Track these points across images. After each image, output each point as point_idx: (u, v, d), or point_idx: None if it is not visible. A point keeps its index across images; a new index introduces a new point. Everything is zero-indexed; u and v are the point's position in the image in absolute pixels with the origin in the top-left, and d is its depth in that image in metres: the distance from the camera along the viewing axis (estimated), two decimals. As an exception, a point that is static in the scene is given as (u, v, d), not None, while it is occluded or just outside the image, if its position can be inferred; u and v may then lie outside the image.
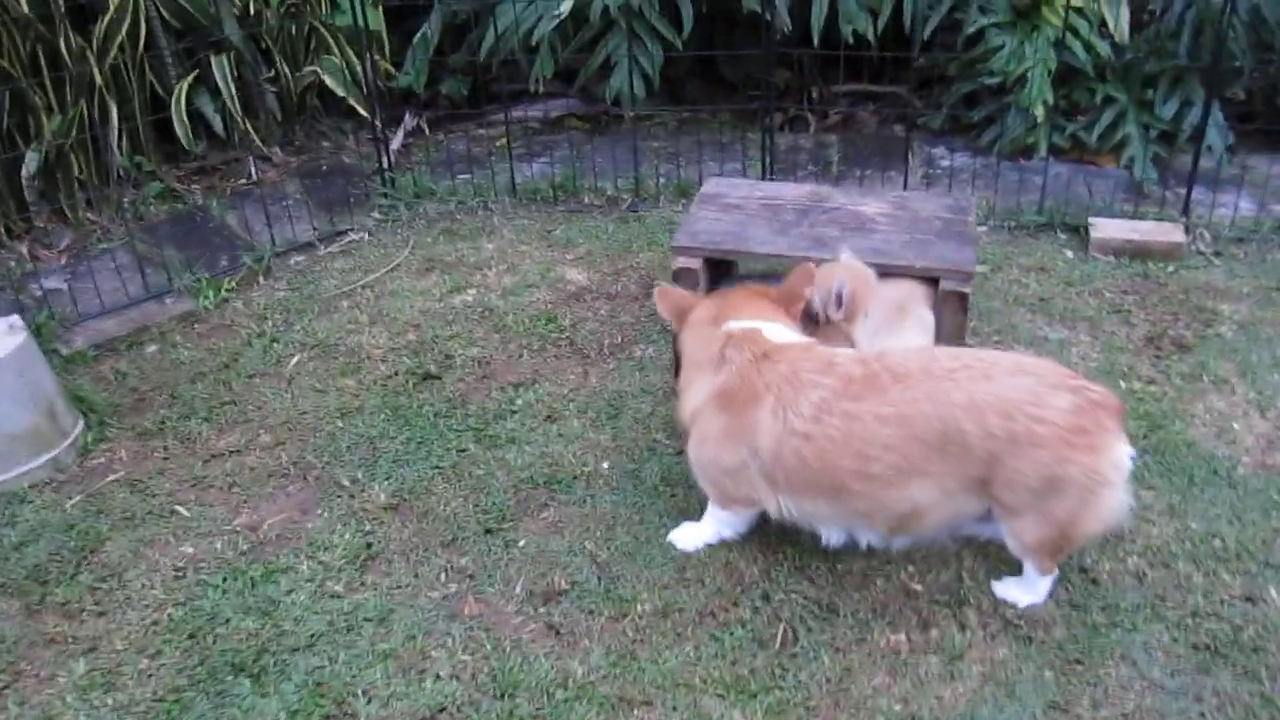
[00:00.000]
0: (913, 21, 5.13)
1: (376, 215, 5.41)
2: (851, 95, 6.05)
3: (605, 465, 3.68)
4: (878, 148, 5.72)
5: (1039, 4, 5.18)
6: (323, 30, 5.78)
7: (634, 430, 3.82)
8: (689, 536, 3.33)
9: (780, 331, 3.08)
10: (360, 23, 5.26)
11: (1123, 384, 3.90)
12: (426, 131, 6.19)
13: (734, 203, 4.09)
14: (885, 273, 3.57)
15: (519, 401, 4.00)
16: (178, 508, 3.57)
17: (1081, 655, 2.90)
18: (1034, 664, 2.88)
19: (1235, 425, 3.70)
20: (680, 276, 3.81)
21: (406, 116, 6.14)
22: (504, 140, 5.80)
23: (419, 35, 5.90)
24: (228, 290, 4.86)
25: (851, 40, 5.24)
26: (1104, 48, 5.05)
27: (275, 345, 4.47)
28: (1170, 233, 4.69)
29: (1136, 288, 4.49)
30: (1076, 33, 5.06)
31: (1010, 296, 4.45)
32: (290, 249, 5.16)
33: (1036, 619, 2.98)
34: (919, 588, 3.12)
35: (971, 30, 5.22)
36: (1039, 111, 5.09)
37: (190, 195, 5.61)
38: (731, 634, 3.01)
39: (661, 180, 5.44)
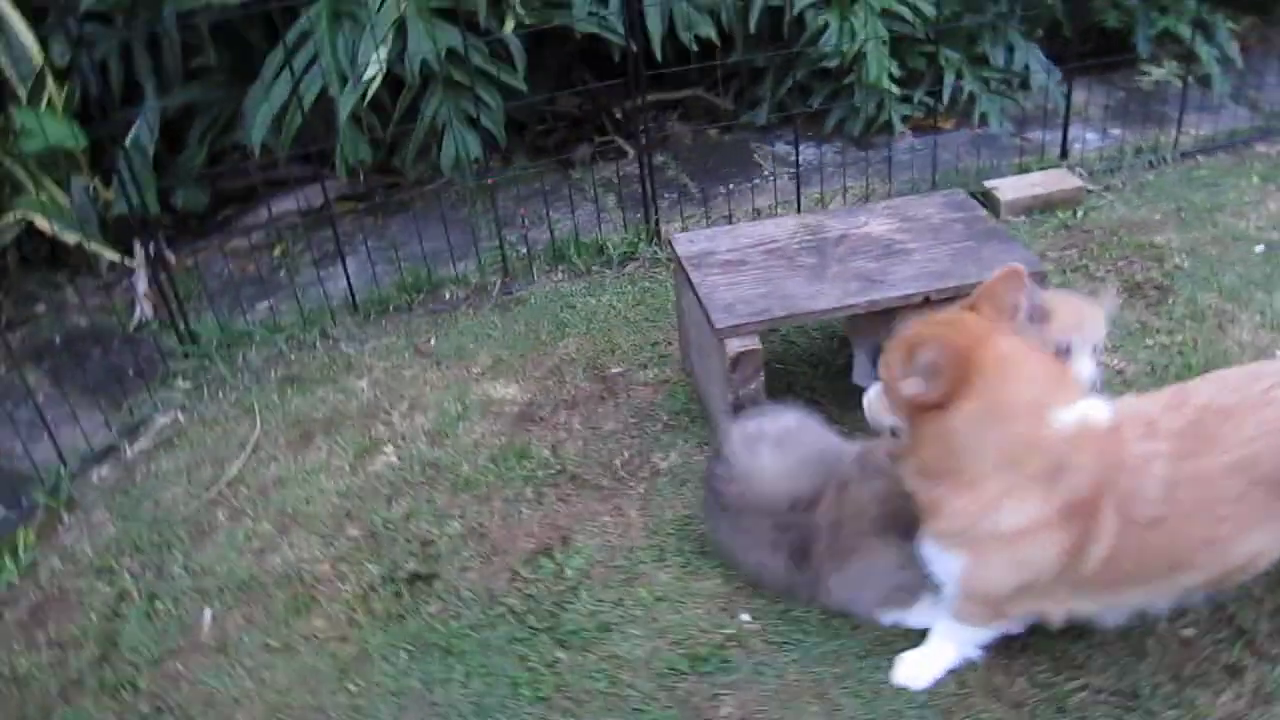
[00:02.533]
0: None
1: (183, 384, 4.08)
2: (654, 107, 5.49)
3: (745, 616, 2.92)
4: (719, 158, 5.22)
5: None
6: (9, 164, 4.27)
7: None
8: (921, 670, 2.68)
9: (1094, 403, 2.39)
10: (54, 141, 3.92)
11: (1150, 342, 3.74)
12: (171, 260, 4.82)
13: (732, 258, 3.43)
14: (958, 296, 3.12)
15: (568, 572, 3.09)
16: None
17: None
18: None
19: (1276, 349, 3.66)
20: (742, 363, 3.10)
21: (136, 246, 4.73)
22: (280, 248, 4.66)
23: (130, 141, 4.53)
24: (27, 548, 3.43)
25: (695, 48, 4.67)
26: (929, 8, 4.88)
27: (158, 603, 3.18)
28: (1065, 179, 4.63)
29: (1071, 241, 4.38)
30: (900, -1, 4.86)
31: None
32: (84, 464, 3.76)
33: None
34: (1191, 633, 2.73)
35: (793, 15, 4.85)
36: (886, 85, 4.83)
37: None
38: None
39: (521, 251, 4.58)
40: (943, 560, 2.51)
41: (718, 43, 4.77)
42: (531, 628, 2.94)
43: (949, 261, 3.30)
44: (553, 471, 3.48)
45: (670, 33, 4.59)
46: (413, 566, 3.18)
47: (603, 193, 4.95)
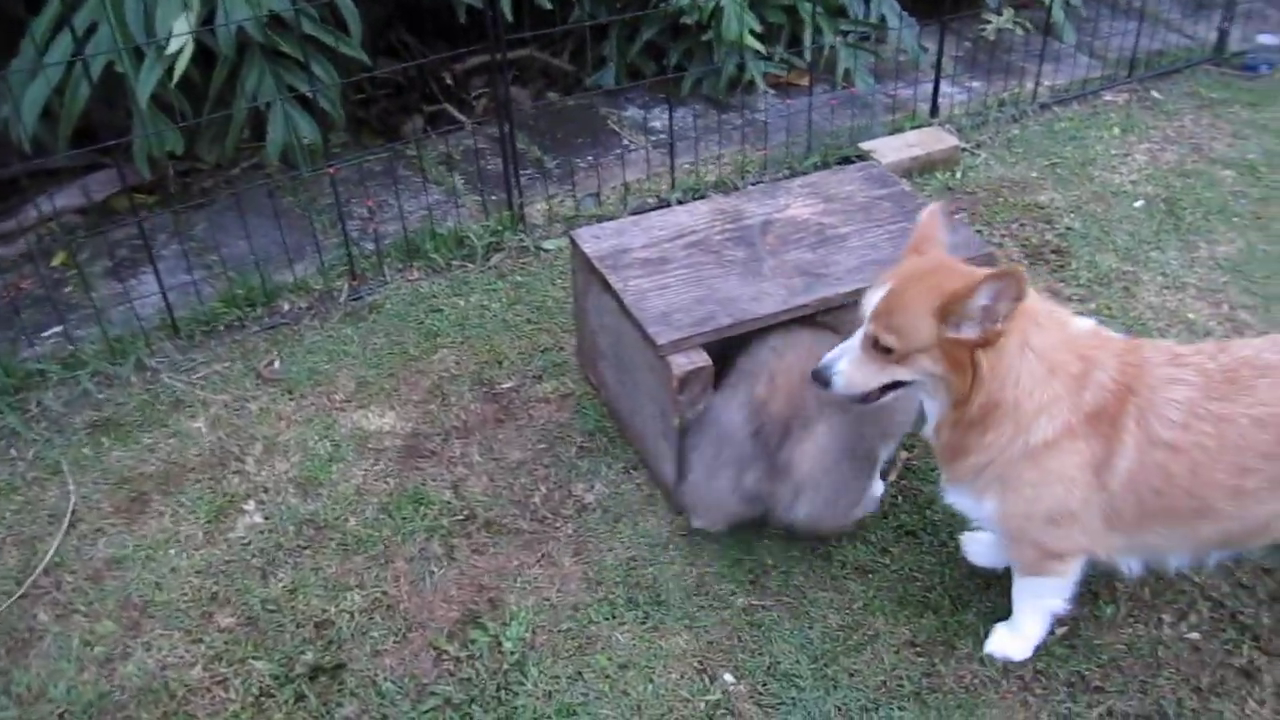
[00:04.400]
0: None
1: (-33, 441, 3.26)
2: (482, 70, 4.90)
3: (728, 677, 2.53)
4: (570, 127, 4.70)
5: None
6: None
7: (711, 600, 2.69)
8: (1013, 640, 2.56)
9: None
10: None
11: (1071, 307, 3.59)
12: (-81, 282, 3.89)
13: (650, 256, 2.99)
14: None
15: (507, 644, 2.61)
16: None
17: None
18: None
19: (1190, 314, 3.58)
20: (691, 383, 2.68)
21: None
22: (62, 257, 3.86)
23: None
24: None
25: (550, 6, 4.12)
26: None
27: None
28: (941, 138, 4.43)
29: (958, 205, 4.19)
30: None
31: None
32: None
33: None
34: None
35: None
36: (748, 41, 4.47)
37: None
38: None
39: (367, 249, 3.94)
40: (976, 506, 2.41)
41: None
42: (486, 722, 2.46)
43: (889, 247, 2.99)
44: (459, 518, 2.96)
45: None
46: (311, 658, 2.61)
47: (444, 172, 4.36)
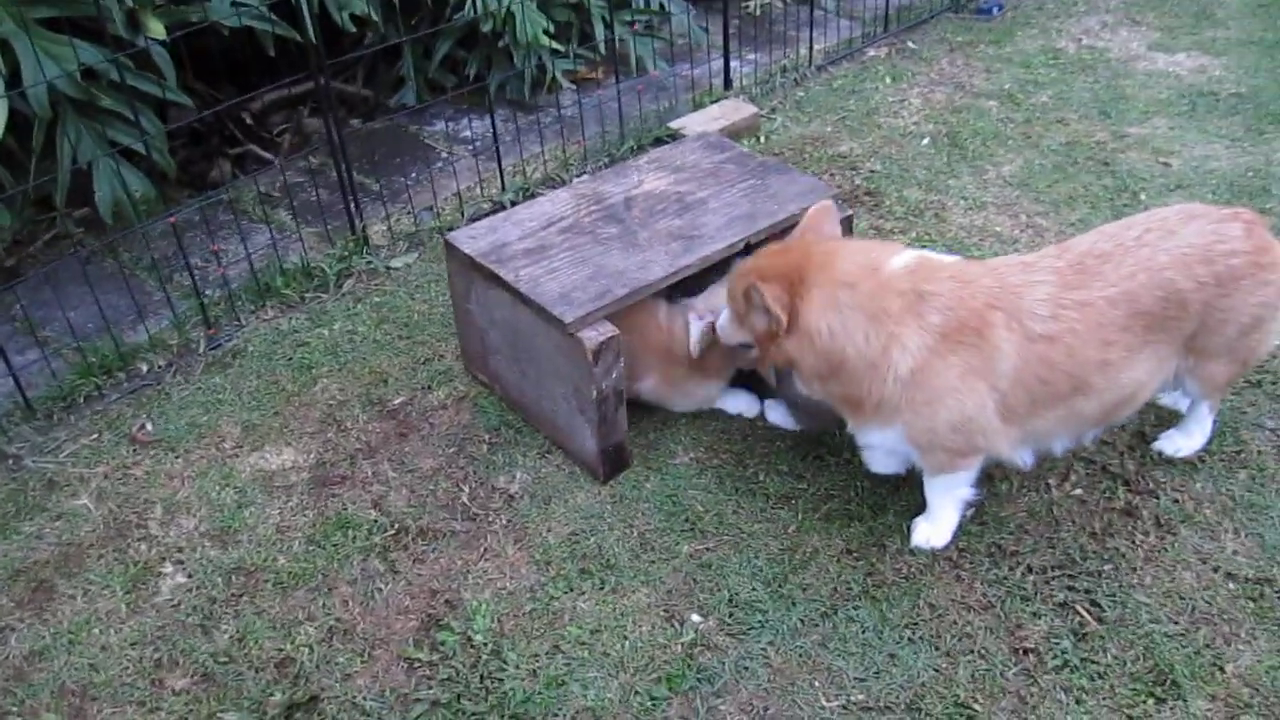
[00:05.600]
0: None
1: None
2: (279, 106, 4.82)
3: (695, 617, 2.67)
4: (384, 150, 4.69)
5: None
6: None
7: (658, 554, 2.82)
8: (934, 530, 2.83)
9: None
10: None
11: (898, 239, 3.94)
12: None
13: (530, 246, 3.09)
14: (773, 235, 3.08)
15: (477, 637, 2.65)
16: None
17: None
18: None
19: (997, 228, 4.00)
20: (604, 353, 2.80)
21: None
22: None
23: None
24: None
25: (353, 28, 4.10)
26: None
27: None
28: (741, 108, 4.73)
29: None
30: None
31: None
32: None
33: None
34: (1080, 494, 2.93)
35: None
36: (544, 41, 4.61)
37: None
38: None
39: (216, 295, 3.82)
40: (885, 436, 2.67)
41: (376, 18, 4.25)
42: (475, 714, 2.50)
43: (747, 204, 3.22)
44: (391, 533, 2.97)
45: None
46: (281, 698, 2.57)
47: (269, 210, 4.28)
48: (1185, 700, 2.43)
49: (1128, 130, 4.62)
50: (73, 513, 3.10)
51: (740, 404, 3.26)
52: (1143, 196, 4.14)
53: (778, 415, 3.21)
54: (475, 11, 4.46)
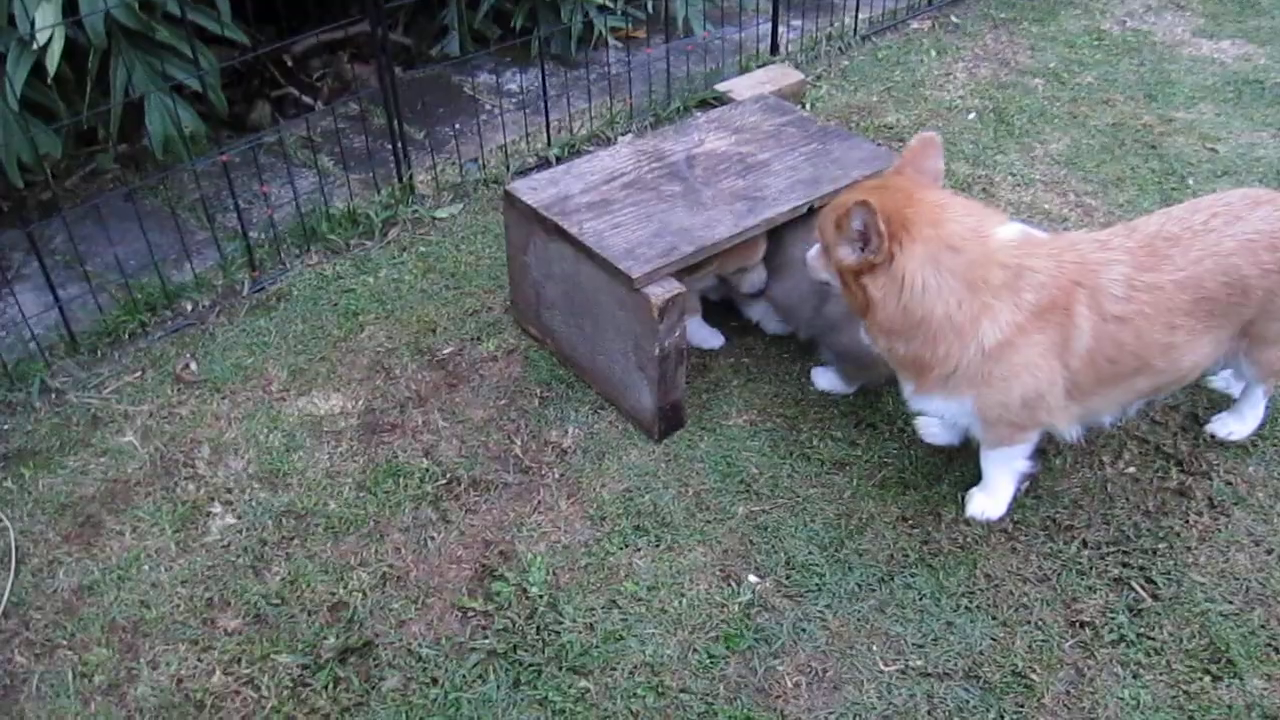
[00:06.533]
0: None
1: None
2: (313, 52, 4.75)
3: (752, 578, 2.67)
4: (428, 100, 4.62)
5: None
6: None
7: (713, 514, 2.82)
8: (990, 501, 2.83)
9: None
10: None
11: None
12: None
13: (593, 199, 3.06)
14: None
15: (533, 589, 2.64)
16: None
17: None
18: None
19: (1046, 205, 3.98)
20: (669, 310, 2.78)
21: None
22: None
23: None
24: None
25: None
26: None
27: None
28: (788, 74, 4.68)
29: (815, 133, 4.46)
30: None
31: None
32: None
33: None
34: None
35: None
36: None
37: None
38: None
39: (262, 235, 3.78)
40: (951, 405, 2.63)
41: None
42: (532, 665, 2.50)
43: (810, 168, 3.19)
44: (442, 482, 2.95)
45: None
46: (335, 641, 2.56)
47: (313, 154, 4.23)
48: (1241, 678, 2.44)
49: (1174, 114, 4.60)
50: (118, 449, 3.08)
51: (702, 335, 3.34)
52: (1190, 181, 4.13)
53: (826, 380, 3.20)
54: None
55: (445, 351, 3.38)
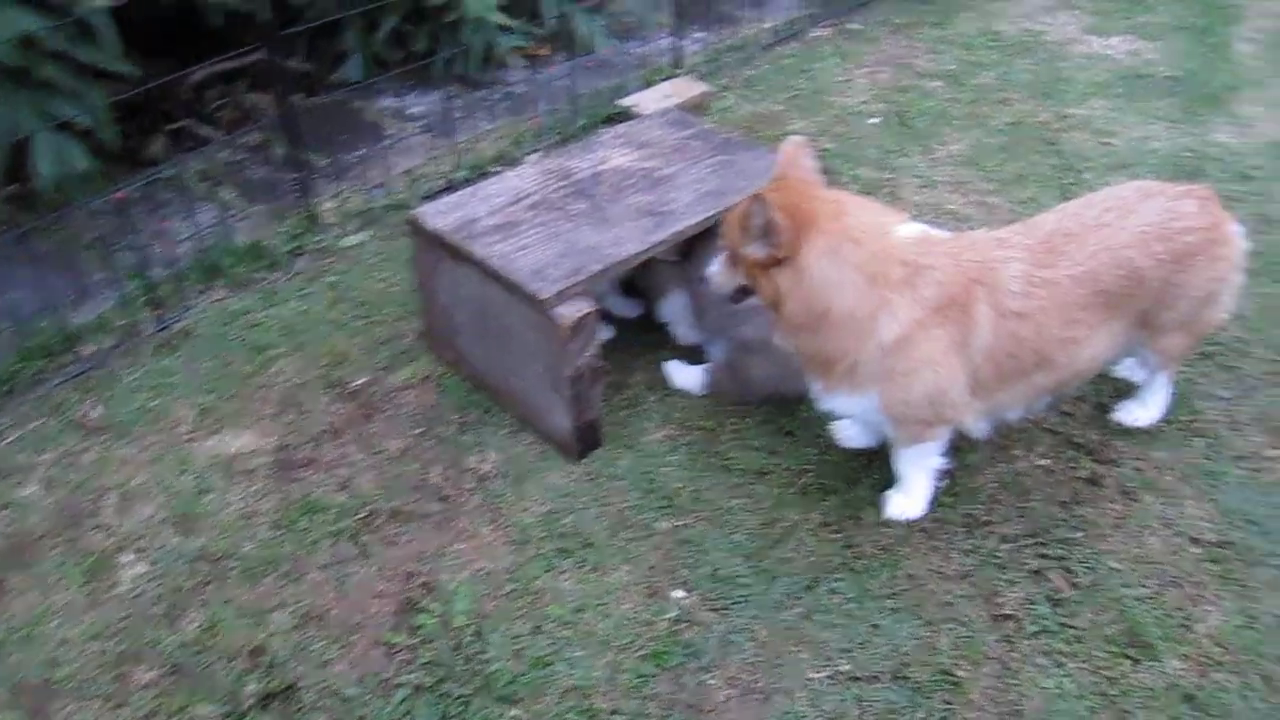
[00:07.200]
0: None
1: None
2: (208, 83, 4.65)
3: (678, 593, 2.66)
4: (329, 127, 4.55)
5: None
6: None
7: (637, 531, 2.80)
8: (908, 501, 2.86)
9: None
10: None
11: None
12: None
13: (499, 222, 3.03)
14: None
15: (457, 619, 2.60)
16: None
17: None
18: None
19: (950, 206, 4.05)
20: (580, 329, 2.77)
21: None
22: None
23: None
24: None
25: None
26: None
27: None
28: (692, 86, 4.71)
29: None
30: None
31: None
32: None
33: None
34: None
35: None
36: (493, 17, 4.54)
37: None
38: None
39: (164, 272, 3.67)
40: (858, 402, 2.65)
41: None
42: (460, 697, 2.45)
43: (716, 180, 3.21)
44: (361, 516, 2.90)
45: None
46: (256, 687, 2.50)
47: (213, 188, 4.14)
48: (1159, 660, 2.49)
49: (1069, 111, 4.71)
50: (20, 502, 2.97)
51: (621, 306, 3.49)
52: (1087, 175, 4.23)
53: (685, 377, 3.26)
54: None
55: (358, 383, 3.32)
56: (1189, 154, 4.37)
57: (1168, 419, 3.10)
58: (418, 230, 3.09)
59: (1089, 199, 2.75)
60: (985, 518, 2.84)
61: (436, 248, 3.04)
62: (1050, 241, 2.62)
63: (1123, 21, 5.55)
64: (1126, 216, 2.65)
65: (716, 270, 2.72)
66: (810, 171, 2.63)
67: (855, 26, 5.47)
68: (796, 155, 2.64)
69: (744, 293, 2.71)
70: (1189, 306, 2.75)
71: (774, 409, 3.18)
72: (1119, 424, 3.09)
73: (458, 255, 2.97)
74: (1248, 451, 3.02)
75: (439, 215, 3.07)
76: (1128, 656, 2.51)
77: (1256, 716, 2.39)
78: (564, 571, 2.74)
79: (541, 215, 3.06)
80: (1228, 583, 2.67)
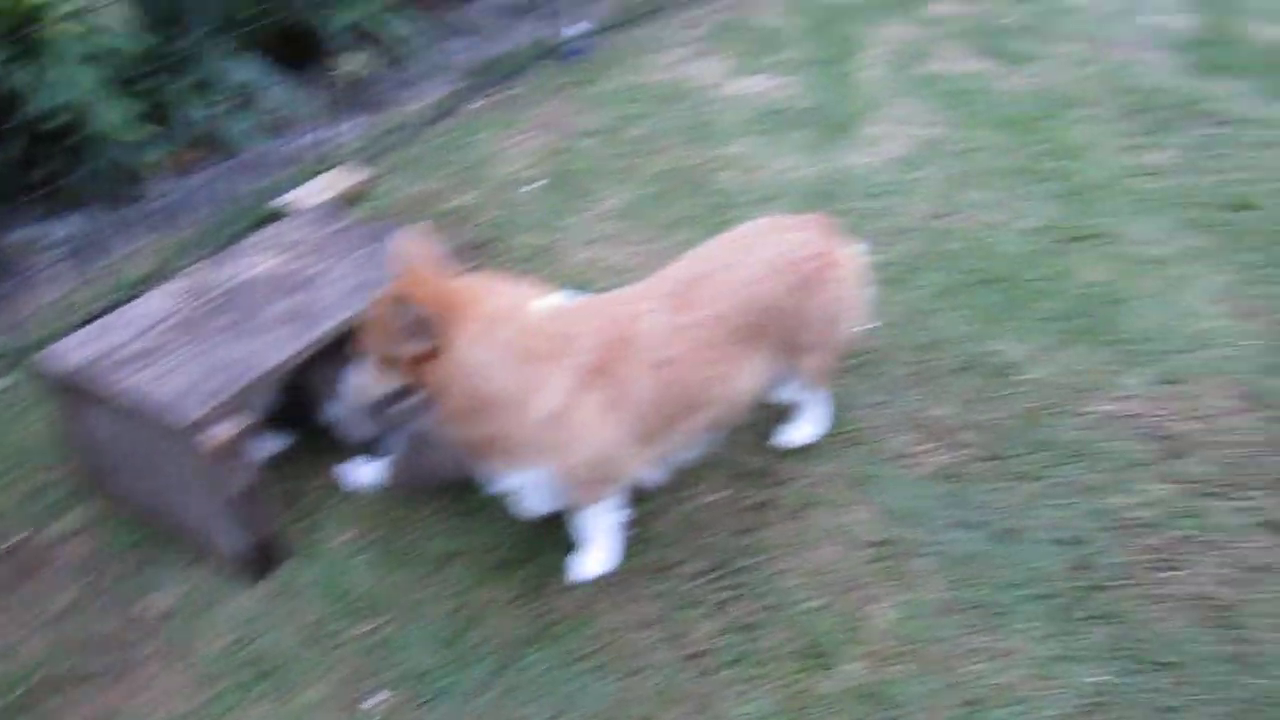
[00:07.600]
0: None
1: None
2: None
3: (384, 694, 2.60)
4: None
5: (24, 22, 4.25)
6: None
7: (330, 642, 2.72)
8: (594, 560, 2.92)
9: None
10: None
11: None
12: None
13: (140, 348, 2.90)
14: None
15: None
16: None
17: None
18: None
19: (612, 260, 4.20)
20: (231, 449, 2.68)
21: None
22: None
23: None
24: None
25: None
26: (128, 43, 4.44)
27: None
28: (351, 174, 4.68)
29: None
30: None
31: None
32: None
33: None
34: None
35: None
36: (124, 133, 4.34)
37: None
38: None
39: None
40: (529, 478, 2.71)
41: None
42: None
43: (364, 272, 3.20)
44: (24, 689, 2.67)
45: None
46: None
47: None
48: (840, 665, 2.66)
49: (718, 152, 5.01)
50: None
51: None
52: (737, 212, 4.49)
53: (365, 475, 3.22)
54: (44, 108, 4.13)
55: (12, 541, 3.07)
56: (826, 180, 4.73)
57: (831, 434, 3.33)
58: (46, 375, 2.91)
59: (719, 240, 2.94)
60: (671, 559, 2.96)
61: (72, 390, 2.88)
62: (686, 287, 2.77)
63: (761, 61, 5.96)
64: (751, 253, 2.84)
65: (363, 380, 2.71)
66: (434, 259, 2.66)
67: (516, 92, 5.61)
68: (416, 246, 2.66)
69: (400, 395, 2.70)
70: (821, 327, 2.97)
71: (461, 490, 3.18)
72: (784, 445, 3.29)
73: (90, 396, 2.81)
74: (901, 451, 3.29)
75: (76, 349, 2.89)
76: (812, 668, 2.67)
77: (929, 698, 2.59)
78: (256, 700, 2.63)
79: (184, 335, 2.94)
80: (891, 577, 2.90)
